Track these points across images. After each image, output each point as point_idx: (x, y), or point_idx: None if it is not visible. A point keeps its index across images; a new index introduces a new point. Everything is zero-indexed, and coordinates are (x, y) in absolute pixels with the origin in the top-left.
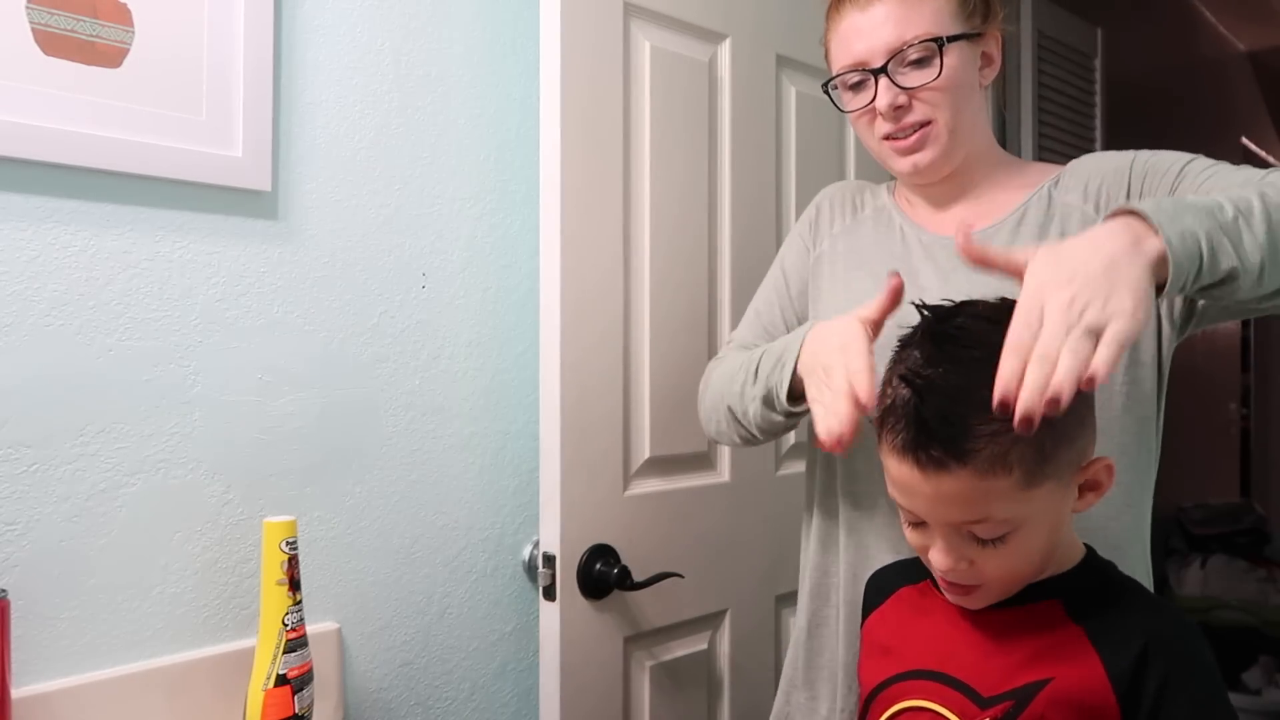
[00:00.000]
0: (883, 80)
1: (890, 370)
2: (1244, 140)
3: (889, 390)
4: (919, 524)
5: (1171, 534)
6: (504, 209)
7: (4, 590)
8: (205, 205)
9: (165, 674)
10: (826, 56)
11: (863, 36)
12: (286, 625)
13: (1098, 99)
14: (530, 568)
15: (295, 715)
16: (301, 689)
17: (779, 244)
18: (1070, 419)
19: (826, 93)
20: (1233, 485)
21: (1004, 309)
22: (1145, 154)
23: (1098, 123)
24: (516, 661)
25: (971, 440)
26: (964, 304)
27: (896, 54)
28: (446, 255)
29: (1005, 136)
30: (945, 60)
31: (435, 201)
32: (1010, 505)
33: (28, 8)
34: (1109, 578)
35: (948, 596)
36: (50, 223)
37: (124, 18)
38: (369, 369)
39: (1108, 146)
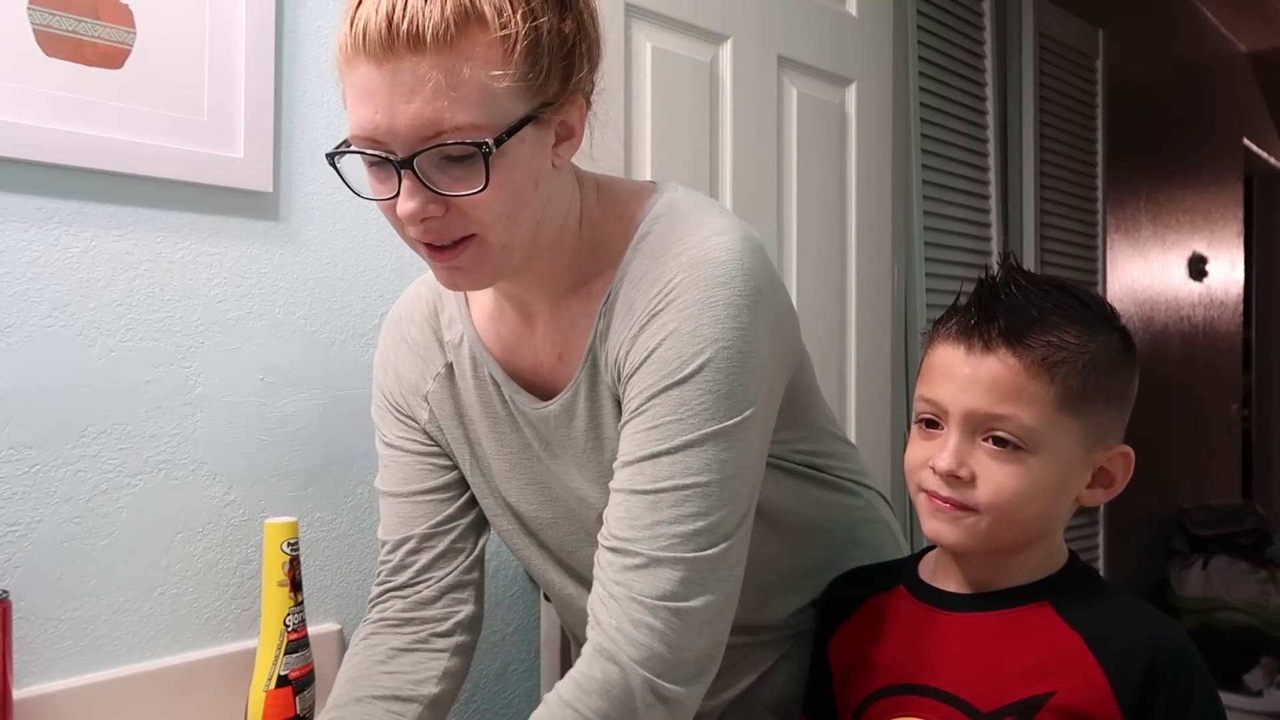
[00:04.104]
0: (406, 180)
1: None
2: (1245, 141)
3: (961, 301)
4: (933, 426)
5: (1173, 535)
6: None
7: (6, 591)
8: (207, 206)
9: (167, 675)
10: (341, 89)
11: (379, 103)
12: (288, 626)
13: (1099, 100)
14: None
15: (297, 716)
16: (303, 690)
17: (779, 245)
18: (1116, 384)
19: (333, 165)
20: (1234, 486)
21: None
22: (662, 334)
23: (1099, 123)
24: (518, 663)
25: (1031, 338)
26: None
27: (427, 146)
28: None
29: (1007, 138)
30: (494, 169)
31: None
32: (1038, 416)
33: (29, 9)
34: (1097, 580)
35: (930, 526)
36: (52, 224)
37: (125, 19)
38: (371, 370)
39: (1109, 147)
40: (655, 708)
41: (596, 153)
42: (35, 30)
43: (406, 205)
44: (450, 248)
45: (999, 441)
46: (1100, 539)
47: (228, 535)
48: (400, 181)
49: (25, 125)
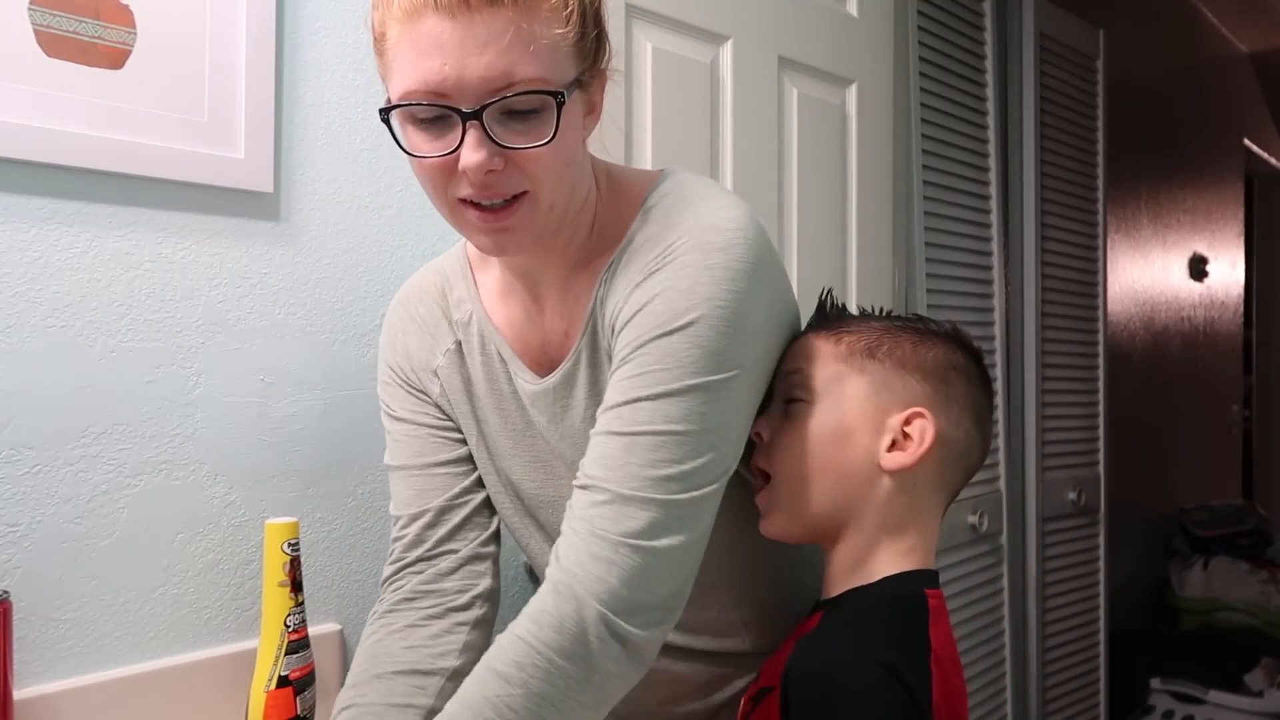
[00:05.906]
0: (473, 132)
1: None
2: (1245, 141)
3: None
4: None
5: (1174, 535)
6: None
7: (6, 592)
8: (207, 207)
9: (167, 675)
10: (380, 50)
11: (448, 55)
12: (288, 626)
13: (1100, 100)
14: (531, 568)
15: (297, 716)
16: (304, 690)
17: (780, 245)
18: (915, 357)
19: (385, 120)
20: (1235, 487)
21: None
22: (657, 288)
23: (1099, 124)
24: None
25: (835, 322)
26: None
27: (498, 97)
28: None
29: (1007, 138)
30: (563, 120)
31: None
32: (820, 367)
33: (30, 9)
34: (879, 601)
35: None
36: (53, 224)
37: (126, 19)
38: (371, 370)
39: (1110, 147)
40: (609, 643)
41: (597, 150)
42: (36, 31)
43: (473, 157)
44: (502, 207)
45: (791, 402)
46: (1100, 539)
47: (228, 536)
48: (464, 135)
49: (26, 125)
